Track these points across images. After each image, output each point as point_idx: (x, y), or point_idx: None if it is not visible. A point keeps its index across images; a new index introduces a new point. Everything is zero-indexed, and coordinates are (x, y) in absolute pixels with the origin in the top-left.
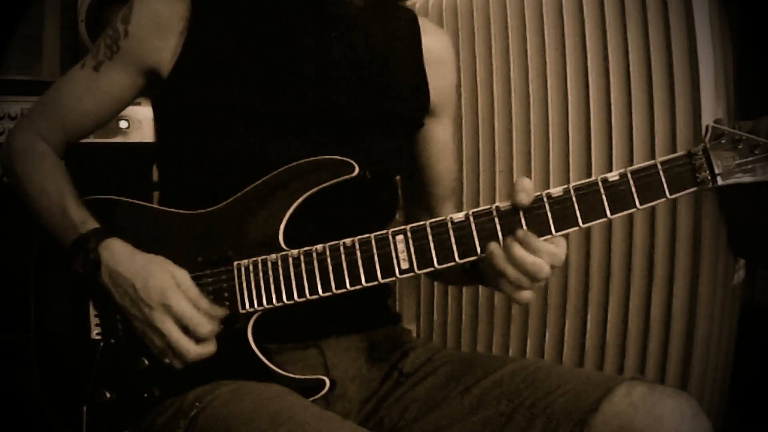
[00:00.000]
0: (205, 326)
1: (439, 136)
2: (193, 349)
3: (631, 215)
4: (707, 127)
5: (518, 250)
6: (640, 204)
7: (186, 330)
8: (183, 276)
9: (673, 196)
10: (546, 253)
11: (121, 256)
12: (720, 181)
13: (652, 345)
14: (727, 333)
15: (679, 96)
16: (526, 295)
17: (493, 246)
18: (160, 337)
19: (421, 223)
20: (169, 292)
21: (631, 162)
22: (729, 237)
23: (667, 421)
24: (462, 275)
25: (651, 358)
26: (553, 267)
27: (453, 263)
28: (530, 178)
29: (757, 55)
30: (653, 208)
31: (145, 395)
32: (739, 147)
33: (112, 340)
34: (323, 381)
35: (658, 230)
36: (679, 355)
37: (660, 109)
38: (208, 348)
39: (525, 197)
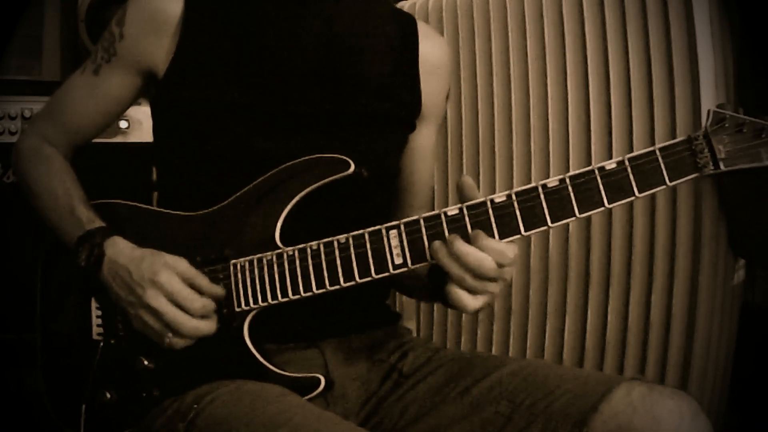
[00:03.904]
0: (196, 301)
1: (421, 143)
2: (188, 322)
3: (631, 215)
4: (709, 111)
5: (460, 245)
6: (639, 192)
7: (178, 306)
8: (179, 259)
9: (674, 183)
10: (493, 250)
11: (123, 251)
12: (723, 167)
13: (652, 345)
14: (727, 333)
15: (679, 97)
16: (471, 300)
17: (437, 243)
18: (155, 316)
19: (415, 217)
20: (160, 271)
21: None
22: (729, 237)
23: (666, 422)
24: (422, 289)
25: (651, 358)
26: (501, 266)
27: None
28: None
29: (757, 54)
30: (653, 208)
31: (145, 395)
32: (743, 131)
33: (112, 341)
34: (318, 379)
35: (658, 230)
36: (679, 355)
37: (660, 109)
38: (206, 324)
39: None
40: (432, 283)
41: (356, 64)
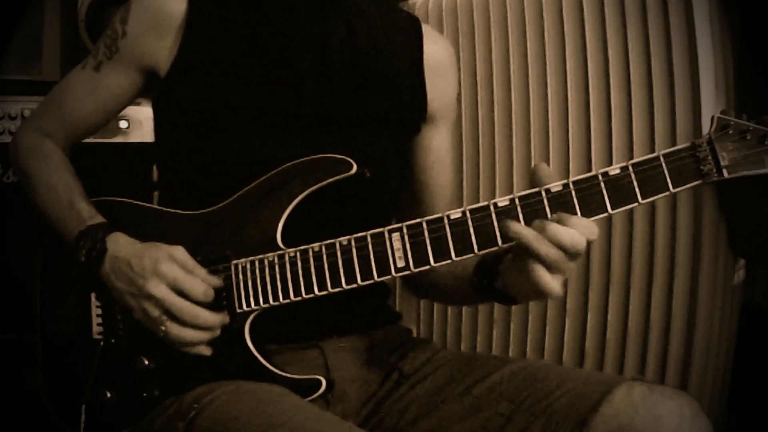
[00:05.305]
0: (200, 287)
1: (437, 145)
2: (189, 308)
3: (631, 215)
4: (713, 117)
5: (553, 226)
6: (642, 198)
7: (180, 293)
8: (179, 250)
9: (677, 189)
10: (581, 225)
11: (124, 246)
12: (726, 174)
13: (652, 345)
14: (727, 333)
15: (679, 97)
16: (556, 284)
17: (523, 228)
18: (156, 304)
19: (418, 220)
20: (161, 262)
21: None
22: (729, 237)
23: (667, 422)
24: (469, 290)
25: (651, 358)
26: (588, 243)
27: (449, 261)
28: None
29: (757, 55)
30: (654, 208)
31: (145, 395)
32: (747, 138)
33: (113, 340)
34: (320, 381)
35: (658, 230)
36: (679, 355)
37: (660, 109)
38: (206, 314)
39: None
40: (481, 282)
41: (359, 65)
